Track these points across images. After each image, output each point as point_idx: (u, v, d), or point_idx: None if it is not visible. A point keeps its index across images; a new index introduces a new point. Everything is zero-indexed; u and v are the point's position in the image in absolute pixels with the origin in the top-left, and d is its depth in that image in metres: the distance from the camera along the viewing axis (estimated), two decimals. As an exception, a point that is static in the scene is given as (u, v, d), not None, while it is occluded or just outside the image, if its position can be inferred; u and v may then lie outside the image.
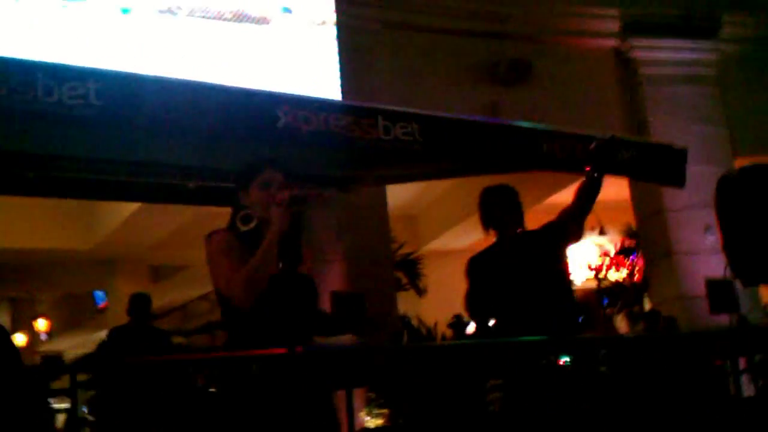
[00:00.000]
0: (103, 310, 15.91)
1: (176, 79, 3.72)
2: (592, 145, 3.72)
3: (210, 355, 2.39)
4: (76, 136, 4.24)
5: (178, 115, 3.58)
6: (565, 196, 10.29)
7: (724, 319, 6.78)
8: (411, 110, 3.95)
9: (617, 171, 4.38)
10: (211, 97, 3.65)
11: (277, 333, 2.57)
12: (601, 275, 10.58)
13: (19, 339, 16.82)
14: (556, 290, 3.74)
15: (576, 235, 3.93)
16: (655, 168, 4.54)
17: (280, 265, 2.70)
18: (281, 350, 2.29)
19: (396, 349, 2.52)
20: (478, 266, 3.77)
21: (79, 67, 3.68)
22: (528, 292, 3.64)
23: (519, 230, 3.79)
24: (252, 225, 2.73)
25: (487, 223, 3.82)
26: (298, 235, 2.81)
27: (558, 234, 3.81)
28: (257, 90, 3.78)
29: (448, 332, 8.01)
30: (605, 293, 9.83)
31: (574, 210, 3.82)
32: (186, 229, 10.01)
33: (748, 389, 3.99)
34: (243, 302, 2.61)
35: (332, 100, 3.84)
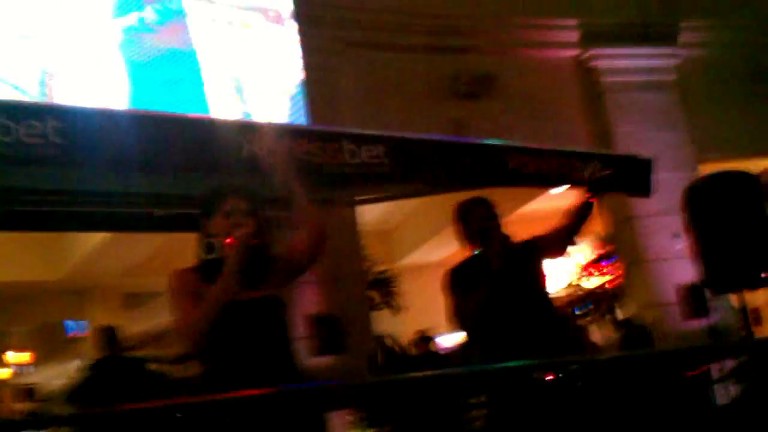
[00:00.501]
0: (73, 340, 15.68)
1: (138, 112, 3.68)
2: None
3: (197, 398, 2.34)
4: (37, 171, 4.17)
5: (142, 147, 3.53)
6: (536, 205, 10.39)
7: (696, 325, 6.85)
8: (376, 132, 3.94)
9: (583, 185, 4.41)
10: (175, 129, 3.62)
11: (248, 366, 2.55)
12: (574, 282, 10.64)
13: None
14: (543, 303, 3.79)
15: (559, 253, 4.00)
16: (621, 179, 4.58)
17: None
18: (270, 389, 2.26)
19: (373, 384, 2.50)
20: (460, 278, 3.78)
21: (36, 104, 3.62)
22: (517, 305, 3.67)
23: (500, 243, 3.81)
24: (214, 255, 2.71)
25: (468, 237, 3.84)
26: (264, 256, 2.77)
27: (542, 249, 3.86)
28: (220, 119, 3.75)
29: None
30: (579, 302, 9.90)
31: (565, 230, 3.89)
32: (158, 255, 9.93)
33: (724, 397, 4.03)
34: (192, 348, 2.61)
35: (296, 126, 3.82)
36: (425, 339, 8.25)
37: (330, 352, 6.35)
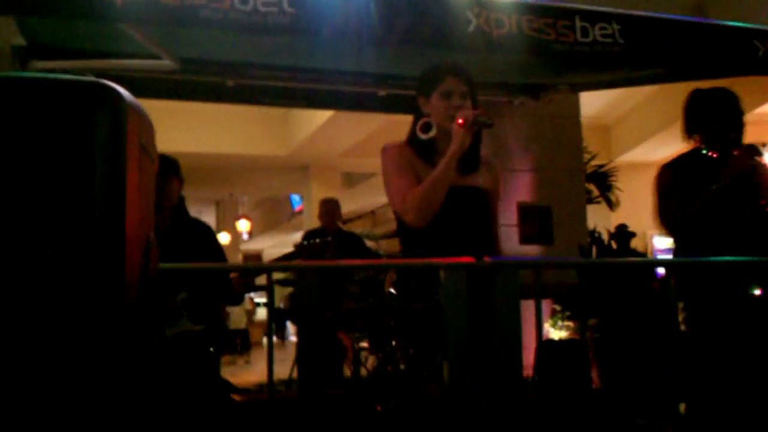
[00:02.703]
0: (298, 213, 16.76)
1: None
2: None
3: (399, 260, 2.40)
4: (268, 45, 4.33)
5: (368, 21, 3.55)
6: (777, 105, 9.34)
7: None
8: (611, 9, 3.68)
9: None
10: (400, 2, 3.59)
11: (451, 246, 2.54)
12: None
13: (224, 238, 18.14)
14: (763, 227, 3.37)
15: None
16: None
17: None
18: (469, 259, 2.26)
19: (581, 263, 2.41)
20: (681, 177, 3.43)
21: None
22: (742, 226, 3.30)
23: (735, 149, 3.41)
24: (432, 134, 2.69)
25: (693, 130, 3.48)
26: (476, 145, 2.72)
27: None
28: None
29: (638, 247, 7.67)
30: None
31: None
32: (376, 136, 10.19)
33: None
34: (416, 222, 2.60)
35: (525, 1, 3.64)
36: (625, 234, 7.87)
37: (538, 242, 6.28)
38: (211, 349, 3.35)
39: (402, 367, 2.25)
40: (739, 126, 3.40)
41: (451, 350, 2.14)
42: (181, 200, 3.54)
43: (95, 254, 1.25)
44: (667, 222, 3.41)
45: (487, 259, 2.31)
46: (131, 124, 1.27)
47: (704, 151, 3.45)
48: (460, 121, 2.59)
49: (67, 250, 1.24)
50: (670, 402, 3.00)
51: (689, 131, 3.47)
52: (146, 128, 1.37)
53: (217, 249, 3.63)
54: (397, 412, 2.12)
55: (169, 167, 3.40)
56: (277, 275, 5.18)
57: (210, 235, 3.68)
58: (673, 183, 3.41)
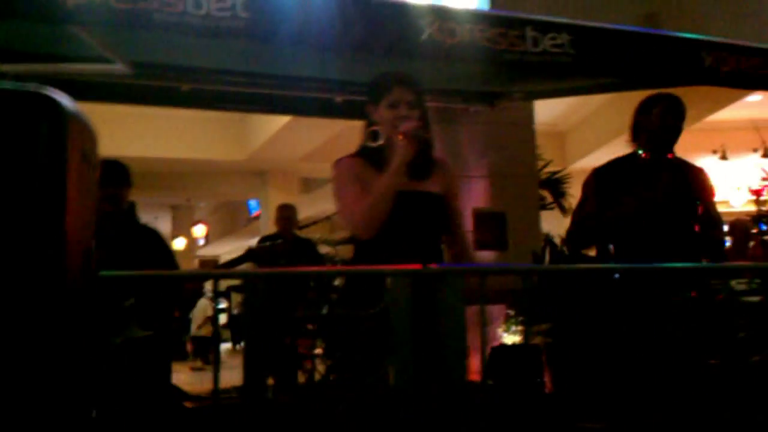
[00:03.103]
0: (256, 219, 16.67)
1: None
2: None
3: (346, 267, 2.42)
4: (224, 49, 4.32)
5: (322, 27, 3.56)
6: (728, 113, 9.63)
7: None
8: (562, 20, 3.74)
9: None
10: (356, 10, 3.60)
11: (400, 253, 2.56)
12: (763, 198, 9.94)
13: (180, 243, 17.96)
14: (690, 231, 3.45)
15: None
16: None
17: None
18: (415, 266, 2.29)
19: (531, 269, 2.46)
20: (607, 180, 3.48)
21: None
22: (667, 234, 3.37)
23: (671, 154, 3.52)
24: (380, 142, 2.72)
25: (636, 135, 3.55)
26: (427, 152, 2.75)
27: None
28: (401, 2, 3.68)
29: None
30: (764, 218, 9.22)
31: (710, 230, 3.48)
32: (335, 141, 10.21)
33: None
34: (362, 234, 2.63)
35: (478, 10, 3.69)
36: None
37: (493, 248, 6.35)
38: (161, 355, 3.33)
39: (346, 375, 2.27)
40: (673, 130, 3.48)
41: (396, 356, 2.17)
42: (131, 206, 3.52)
43: (35, 262, 1.25)
44: (592, 225, 3.49)
45: (433, 265, 2.34)
46: (72, 133, 1.27)
47: (639, 152, 3.53)
48: (401, 133, 2.63)
49: (7, 258, 1.23)
50: (621, 405, 3.06)
51: (633, 137, 3.56)
52: (88, 136, 1.37)
53: (166, 254, 3.61)
54: (343, 418, 2.14)
55: (118, 173, 3.38)
56: (234, 281, 5.16)
57: (159, 240, 3.67)
58: (600, 186, 3.49)
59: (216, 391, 2.20)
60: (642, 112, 3.54)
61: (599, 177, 3.53)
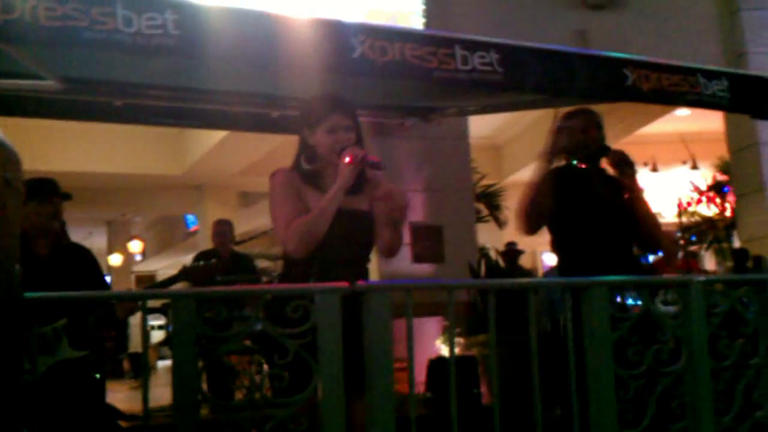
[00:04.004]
0: (193, 234, 16.48)
1: (252, 10, 3.70)
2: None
3: (275, 285, 2.44)
4: (158, 64, 4.31)
5: (255, 45, 3.58)
6: (658, 126, 9.88)
7: None
8: (490, 39, 3.83)
9: (709, 105, 4.20)
10: (287, 29, 3.63)
11: (328, 270, 2.60)
12: (692, 209, 10.27)
13: (116, 260, 17.61)
14: (629, 232, 3.67)
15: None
16: (748, 100, 4.32)
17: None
18: (343, 283, 2.33)
19: (452, 286, 2.53)
20: (560, 182, 3.65)
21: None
22: (606, 226, 3.58)
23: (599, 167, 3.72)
24: (316, 166, 2.76)
25: (563, 149, 3.70)
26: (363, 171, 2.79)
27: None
28: (333, 20, 3.73)
29: (526, 265, 7.95)
30: (692, 229, 9.54)
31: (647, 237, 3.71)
32: (273, 155, 10.18)
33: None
34: (295, 252, 2.65)
35: (409, 28, 3.76)
36: (513, 251, 8.16)
37: (429, 260, 6.43)
38: (96, 375, 3.29)
39: (268, 393, 2.29)
40: (590, 141, 3.66)
41: (324, 373, 2.20)
42: (62, 225, 3.47)
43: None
44: (544, 219, 3.68)
45: (361, 282, 2.39)
46: (-6, 158, 1.28)
47: (574, 162, 3.72)
48: (348, 159, 2.66)
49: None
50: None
51: (557, 151, 3.70)
52: (11, 161, 1.37)
53: (97, 273, 3.58)
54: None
55: (48, 192, 3.34)
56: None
57: (90, 259, 3.63)
58: (555, 186, 3.63)
59: (146, 410, 2.20)
60: (559, 128, 3.71)
61: (559, 177, 3.66)
